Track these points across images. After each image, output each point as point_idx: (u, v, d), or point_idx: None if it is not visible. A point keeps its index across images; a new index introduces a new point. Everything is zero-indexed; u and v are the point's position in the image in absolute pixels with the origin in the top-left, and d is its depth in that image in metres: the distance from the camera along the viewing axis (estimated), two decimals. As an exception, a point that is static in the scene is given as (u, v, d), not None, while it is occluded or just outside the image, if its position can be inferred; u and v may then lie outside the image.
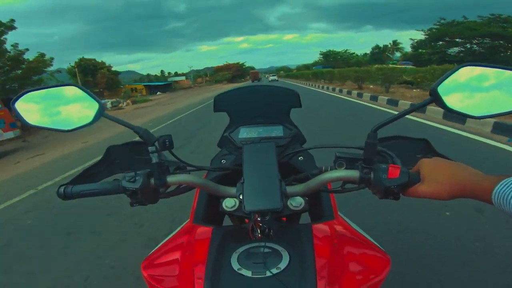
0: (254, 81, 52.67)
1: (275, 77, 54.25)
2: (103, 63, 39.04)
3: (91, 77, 36.37)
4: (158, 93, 46.61)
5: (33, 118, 0.57)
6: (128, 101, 24.62)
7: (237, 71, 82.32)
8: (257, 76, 64.12)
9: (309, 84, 23.46)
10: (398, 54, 56.31)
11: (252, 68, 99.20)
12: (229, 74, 79.72)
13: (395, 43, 57.35)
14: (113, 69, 40.66)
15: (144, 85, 52.78)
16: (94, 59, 38.58)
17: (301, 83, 27.77)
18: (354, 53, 65.11)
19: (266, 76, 71.53)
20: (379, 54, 58.35)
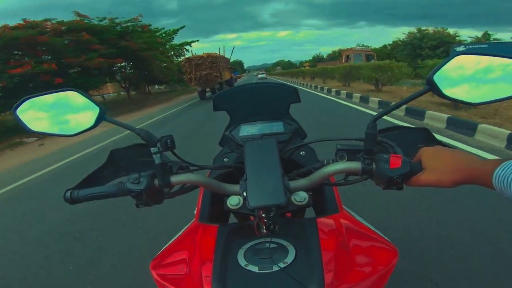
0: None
1: (264, 75, 53.84)
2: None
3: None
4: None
5: (34, 124, 0.57)
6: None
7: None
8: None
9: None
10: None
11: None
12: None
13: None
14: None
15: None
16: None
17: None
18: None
19: (255, 74, 70.26)
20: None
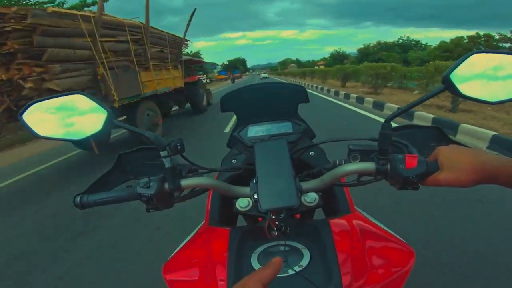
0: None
1: (266, 75, 53.88)
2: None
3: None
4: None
5: (42, 129, 0.56)
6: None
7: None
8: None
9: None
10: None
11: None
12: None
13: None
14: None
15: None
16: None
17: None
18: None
19: (258, 73, 69.51)
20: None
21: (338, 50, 70.62)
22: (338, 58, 70.39)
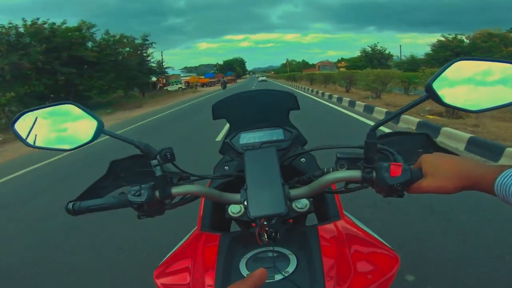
0: None
1: (264, 78, 53.75)
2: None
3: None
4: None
5: (33, 139, 0.57)
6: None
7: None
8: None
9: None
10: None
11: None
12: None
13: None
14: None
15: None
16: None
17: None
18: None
19: (257, 76, 68.66)
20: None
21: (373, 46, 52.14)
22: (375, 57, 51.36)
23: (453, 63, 0.46)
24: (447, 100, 0.46)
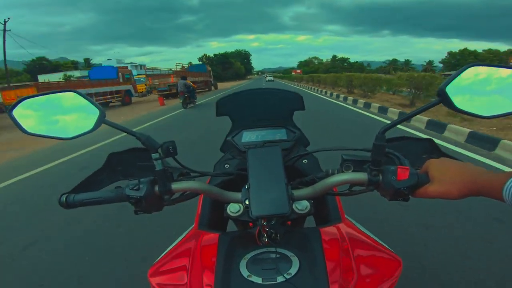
0: None
1: (271, 77, 53.86)
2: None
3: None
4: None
5: (32, 126, 0.55)
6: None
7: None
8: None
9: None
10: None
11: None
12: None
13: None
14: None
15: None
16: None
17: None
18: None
19: (265, 76, 67.94)
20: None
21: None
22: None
23: (466, 69, 0.46)
24: (459, 105, 0.46)
